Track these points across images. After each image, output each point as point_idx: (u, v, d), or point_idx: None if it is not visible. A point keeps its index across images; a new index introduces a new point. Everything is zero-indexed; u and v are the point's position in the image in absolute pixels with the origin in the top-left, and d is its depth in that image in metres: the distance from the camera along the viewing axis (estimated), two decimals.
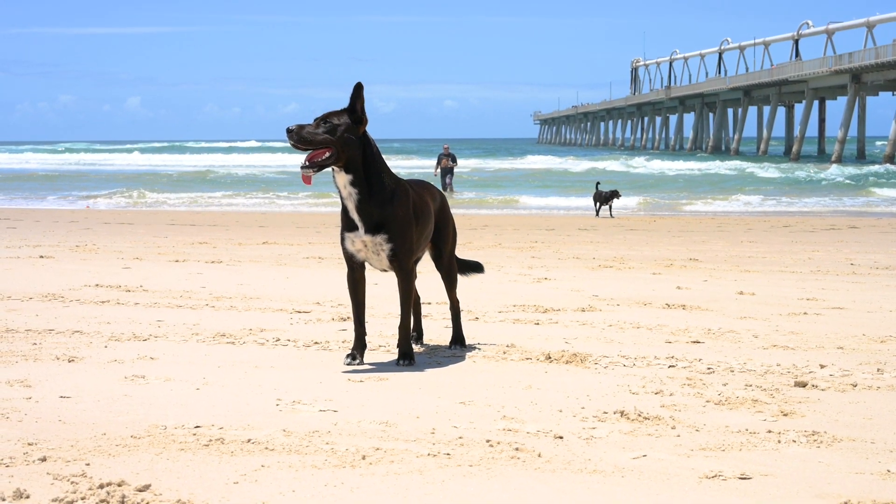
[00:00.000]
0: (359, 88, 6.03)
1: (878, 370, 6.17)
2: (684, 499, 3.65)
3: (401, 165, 65.38)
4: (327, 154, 5.92)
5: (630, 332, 7.76)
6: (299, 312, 8.56)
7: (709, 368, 6.21)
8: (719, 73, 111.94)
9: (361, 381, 5.76)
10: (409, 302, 6.30)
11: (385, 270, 6.38)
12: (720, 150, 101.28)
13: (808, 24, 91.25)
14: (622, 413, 4.93)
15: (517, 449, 4.27)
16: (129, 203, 32.02)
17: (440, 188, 32.90)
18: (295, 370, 6.07)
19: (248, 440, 4.33)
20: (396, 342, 6.40)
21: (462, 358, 6.57)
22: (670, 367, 6.28)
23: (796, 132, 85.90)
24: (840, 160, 69.17)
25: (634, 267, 13.41)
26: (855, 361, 6.51)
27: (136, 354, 6.47)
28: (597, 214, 26.55)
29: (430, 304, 9.10)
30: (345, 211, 6.18)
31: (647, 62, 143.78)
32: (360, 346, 6.30)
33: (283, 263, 13.09)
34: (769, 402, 5.26)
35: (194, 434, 4.45)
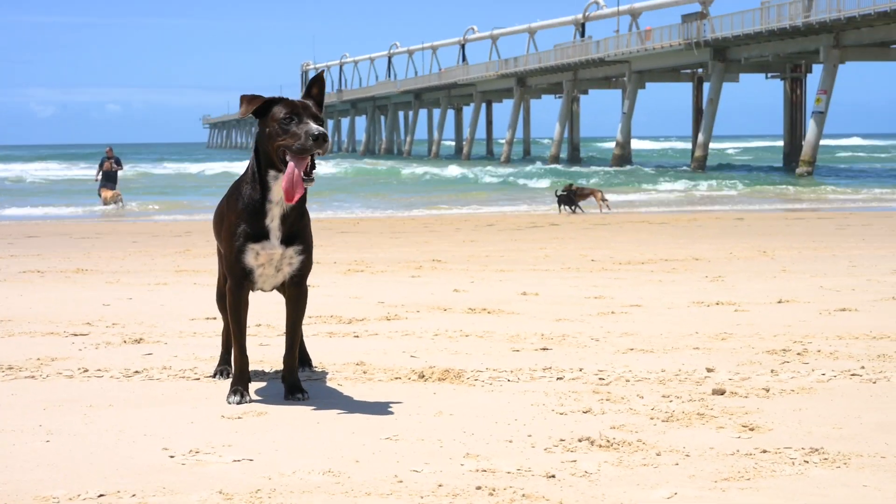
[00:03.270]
0: (322, 80, 5.10)
1: (773, 371, 5.85)
2: None
3: (63, 175, 61.58)
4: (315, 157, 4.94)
5: (465, 341, 7.14)
6: (76, 335, 7.35)
7: (600, 379, 5.68)
8: (389, 76, 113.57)
9: (240, 418, 4.80)
10: (300, 326, 5.36)
11: (269, 290, 5.38)
12: (393, 153, 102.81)
13: (473, 29, 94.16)
14: (588, 440, 4.29)
15: (524, 496, 3.53)
16: None
17: (99, 194, 30.51)
18: (143, 408, 5.02)
19: None
20: (282, 375, 5.41)
21: (322, 381, 5.72)
22: (558, 379, 5.70)
23: (466, 134, 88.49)
24: (508, 160, 71.65)
25: (385, 270, 12.82)
26: (732, 363, 6.19)
27: None
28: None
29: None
30: (254, 218, 5.09)
31: (318, 66, 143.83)
32: (245, 379, 5.25)
33: (2, 279, 11.53)
34: (717, 415, 4.78)
35: None
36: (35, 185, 49.06)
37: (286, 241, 5.12)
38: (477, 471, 3.88)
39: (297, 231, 5.16)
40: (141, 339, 7.15)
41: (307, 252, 5.21)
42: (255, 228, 5.09)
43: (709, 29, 55.82)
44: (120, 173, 31.91)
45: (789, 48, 52.63)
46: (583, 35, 73.75)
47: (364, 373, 5.90)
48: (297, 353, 5.34)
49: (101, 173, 31.04)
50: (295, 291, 5.27)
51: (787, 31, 50.05)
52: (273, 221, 5.09)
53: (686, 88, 68.15)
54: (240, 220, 5.10)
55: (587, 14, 74.53)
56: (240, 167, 68.34)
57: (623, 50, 62.93)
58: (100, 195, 30.64)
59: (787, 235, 18.12)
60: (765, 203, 32.65)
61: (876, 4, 44.64)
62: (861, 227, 19.94)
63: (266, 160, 5.03)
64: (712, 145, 62.96)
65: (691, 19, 57.81)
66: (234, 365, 5.29)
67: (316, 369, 6.03)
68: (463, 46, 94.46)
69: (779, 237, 17.76)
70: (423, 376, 5.75)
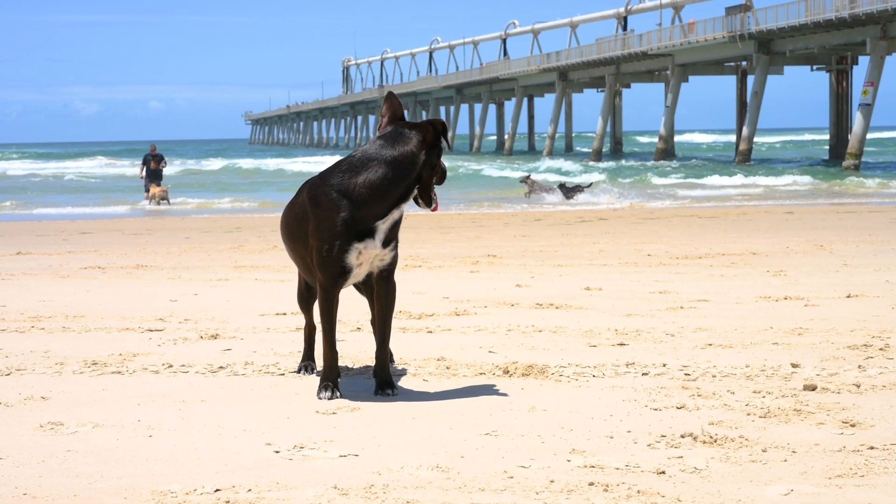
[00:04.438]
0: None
1: (859, 367, 5.80)
2: None
3: (108, 172, 61.91)
4: None
5: (539, 336, 7.13)
6: (151, 331, 7.41)
7: (686, 374, 5.66)
8: (430, 71, 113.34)
9: (335, 413, 4.82)
10: (391, 321, 5.38)
11: (358, 285, 5.47)
12: None
13: (514, 23, 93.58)
14: (691, 436, 4.27)
15: (640, 492, 3.53)
16: None
17: (147, 192, 30.61)
18: (236, 403, 5.05)
19: None
20: (373, 370, 5.45)
21: (407, 376, 5.74)
22: (643, 374, 5.69)
23: (507, 129, 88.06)
24: (551, 154, 71.34)
25: (443, 265, 12.81)
26: (815, 358, 6.14)
27: (19, 394, 5.23)
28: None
29: (284, 314, 8.16)
30: (358, 221, 5.12)
31: (359, 61, 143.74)
32: (334, 375, 5.28)
33: (66, 275, 11.63)
34: (813, 411, 4.74)
35: (227, 503, 3.43)
36: (81, 183, 49.47)
37: (385, 243, 5.18)
38: (585, 466, 3.88)
39: (394, 233, 5.23)
40: (217, 334, 7.19)
41: (396, 248, 5.26)
42: (362, 230, 5.13)
43: (753, 21, 55.33)
44: (165, 170, 31.98)
45: (835, 40, 52.08)
46: (625, 28, 73.36)
47: (447, 368, 5.91)
48: (388, 348, 5.35)
49: (145, 170, 31.04)
50: (384, 286, 5.30)
51: (833, 22, 49.50)
52: (384, 224, 5.14)
53: (730, 81, 67.53)
54: (348, 223, 5.16)
55: (629, 7, 74.12)
56: (271, 163, 68.46)
57: (666, 43, 62.52)
58: (147, 192, 30.72)
59: (841, 229, 17.94)
60: (811, 197, 32.35)
61: None
62: None
63: None
64: (756, 138, 62.45)
65: (735, 12, 57.32)
66: (323, 361, 5.30)
67: (397, 365, 6.04)
68: (504, 41, 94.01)
69: (832, 231, 17.59)
70: (508, 372, 5.75)
